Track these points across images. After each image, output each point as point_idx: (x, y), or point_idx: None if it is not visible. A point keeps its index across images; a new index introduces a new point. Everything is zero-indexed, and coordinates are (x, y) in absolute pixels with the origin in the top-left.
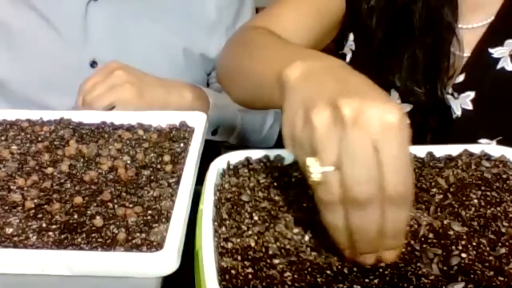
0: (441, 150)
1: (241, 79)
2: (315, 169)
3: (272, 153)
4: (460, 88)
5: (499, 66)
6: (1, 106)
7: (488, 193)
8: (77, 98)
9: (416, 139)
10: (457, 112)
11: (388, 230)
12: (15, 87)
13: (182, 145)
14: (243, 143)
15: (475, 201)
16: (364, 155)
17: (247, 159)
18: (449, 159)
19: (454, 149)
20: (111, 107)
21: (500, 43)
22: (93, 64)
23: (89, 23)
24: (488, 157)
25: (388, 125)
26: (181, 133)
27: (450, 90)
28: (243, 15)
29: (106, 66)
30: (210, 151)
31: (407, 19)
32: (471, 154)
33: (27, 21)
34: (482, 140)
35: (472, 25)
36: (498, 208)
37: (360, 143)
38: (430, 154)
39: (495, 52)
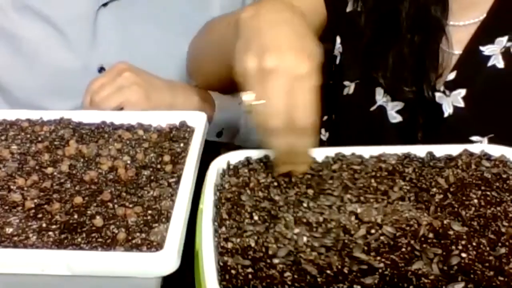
0: (441, 150)
1: (206, 52)
2: (247, 100)
3: (272, 153)
4: (451, 86)
5: (490, 64)
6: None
7: (488, 193)
8: (84, 97)
9: (407, 137)
10: (449, 109)
11: (299, 151)
12: (22, 94)
13: (182, 145)
14: (246, 144)
15: (475, 201)
16: (277, 96)
17: (247, 159)
18: (449, 159)
19: (454, 149)
20: (119, 108)
21: (491, 41)
22: (101, 69)
23: (98, 28)
24: (488, 157)
25: (299, 75)
26: (181, 133)
27: (441, 88)
28: None
29: (114, 67)
30: (210, 151)
31: (395, 18)
32: (471, 154)
33: (35, 28)
34: (474, 138)
35: (463, 22)
36: (498, 208)
37: (275, 87)
38: (430, 154)
39: (486, 49)
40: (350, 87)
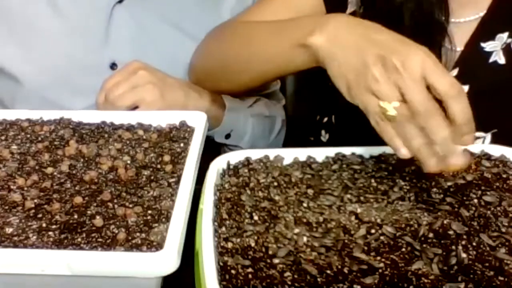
0: None
1: (241, 62)
2: (389, 108)
3: (272, 153)
4: None
5: (491, 60)
6: (19, 108)
7: (488, 193)
8: (98, 95)
9: None
10: None
11: (459, 119)
12: (33, 88)
13: (182, 145)
14: (252, 148)
15: (475, 201)
16: (419, 86)
17: (247, 159)
18: None
19: None
20: (133, 107)
21: (492, 37)
22: (113, 65)
23: (112, 24)
24: (488, 157)
25: (426, 60)
26: (181, 133)
27: None
28: None
29: (129, 65)
30: (210, 151)
31: (398, 21)
32: (471, 154)
33: (49, 20)
34: (477, 133)
35: (464, 19)
36: (498, 208)
37: (414, 79)
38: None
39: (487, 46)
40: None
